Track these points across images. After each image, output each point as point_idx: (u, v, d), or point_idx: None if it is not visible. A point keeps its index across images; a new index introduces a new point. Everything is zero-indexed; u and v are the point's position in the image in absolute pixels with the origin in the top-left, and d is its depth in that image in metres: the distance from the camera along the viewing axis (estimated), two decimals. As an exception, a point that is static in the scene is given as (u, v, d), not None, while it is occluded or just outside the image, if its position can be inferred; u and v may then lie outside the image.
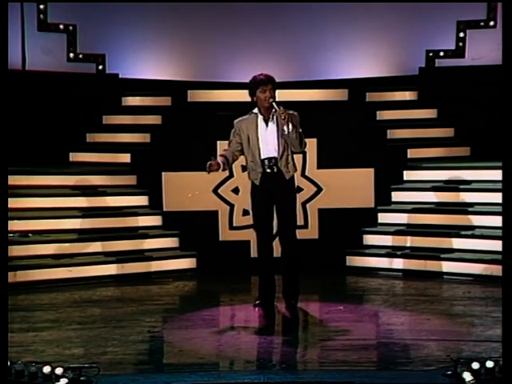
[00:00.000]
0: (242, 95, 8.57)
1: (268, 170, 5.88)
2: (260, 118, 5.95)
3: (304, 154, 7.98)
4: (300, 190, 8.01)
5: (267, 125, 5.91)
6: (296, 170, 6.01)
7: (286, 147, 5.86)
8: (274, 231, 6.22)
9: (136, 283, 7.13)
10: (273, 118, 5.91)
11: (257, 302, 6.06)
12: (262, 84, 5.88)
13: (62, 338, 5.19)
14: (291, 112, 5.82)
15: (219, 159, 5.94)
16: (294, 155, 5.99)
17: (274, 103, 5.81)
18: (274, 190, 5.91)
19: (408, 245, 7.59)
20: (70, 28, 8.87)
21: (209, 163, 5.82)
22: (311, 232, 7.95)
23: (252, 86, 5.94)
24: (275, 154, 5.87)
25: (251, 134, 5.92)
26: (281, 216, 5.97)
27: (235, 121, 6.06)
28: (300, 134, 5.82)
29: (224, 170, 6.07)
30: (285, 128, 5.76)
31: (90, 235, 7.54)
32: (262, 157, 5.89)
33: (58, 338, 5.19)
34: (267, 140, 5.88)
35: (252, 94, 5.97)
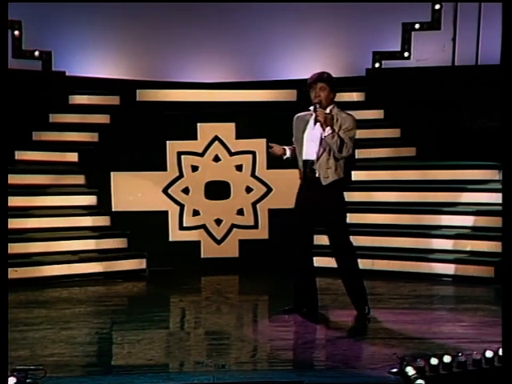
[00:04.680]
0: (191, 95, 8.65)
1: (309, 174, 5.57)
2: (313, 116, 5.60)
3: (254, 154, 8.03)
4: (250, 190, 8.07)
5: (315, 125, 5.57)
6: (340, 177, 5.56)
7: (327, 151, 5.51)
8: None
9: (84, 284, 7.06)
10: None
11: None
12: (309, 84, 5.59)
13: (8, 339, 5.09)
14: (328, 113, 5.50)
15: (288, 148, 5.70)
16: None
17: (317, 104, 5.50)
18: (313, 196, 5.58)
19: (356, 244, 7.65)
20: (15, 24, 8.72)
21: (271, 144, 5.66)
22: (261, 232, 7.99)
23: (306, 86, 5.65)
24: (314, 157, 5.55)
25: (300, 132, 5.63)
26: (324, 225, 5.67)
27: (295, 116, 5.75)
28: (341, 139, 5.45)
29: (287, 158, 5.72)
30: (322, 130, 5.48)
31: (37, 235, 7.44)
32: (304, 158, 5.60)
33: (4, 340, 5.10)
34: (310, 141, 5.56)
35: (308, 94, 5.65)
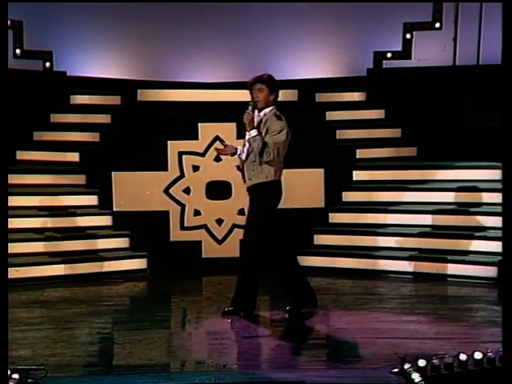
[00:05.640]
0: (192, 95, 8.65)
1: (244, 176, 5.66)
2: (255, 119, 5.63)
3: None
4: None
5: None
6: (266, 180, 5.54)
7: (252, 153, 5.54)
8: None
9: (85, 284, 7.07)
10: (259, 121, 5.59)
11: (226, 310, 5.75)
12: (249, 86, 5.63)
13: (9, 339, 5.07)
14: (252, 115, 5.52)
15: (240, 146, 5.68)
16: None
17: (252, 105, 5.54)
18: (249, 197, 5.69)
19: (358, 244, 7.68)
20: (16, 24, 8.72)
21: (223, 144, 5.73)
22: (261, 231, 7.97)
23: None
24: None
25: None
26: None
27: None
28: (264, 142, 5.46)
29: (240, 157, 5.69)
30: (247, 132, 5.55)
31: (38, 235, 7.44)
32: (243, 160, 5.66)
33: (5, 340, 5.10)
34: (246, 143, 5.61)
35: None
